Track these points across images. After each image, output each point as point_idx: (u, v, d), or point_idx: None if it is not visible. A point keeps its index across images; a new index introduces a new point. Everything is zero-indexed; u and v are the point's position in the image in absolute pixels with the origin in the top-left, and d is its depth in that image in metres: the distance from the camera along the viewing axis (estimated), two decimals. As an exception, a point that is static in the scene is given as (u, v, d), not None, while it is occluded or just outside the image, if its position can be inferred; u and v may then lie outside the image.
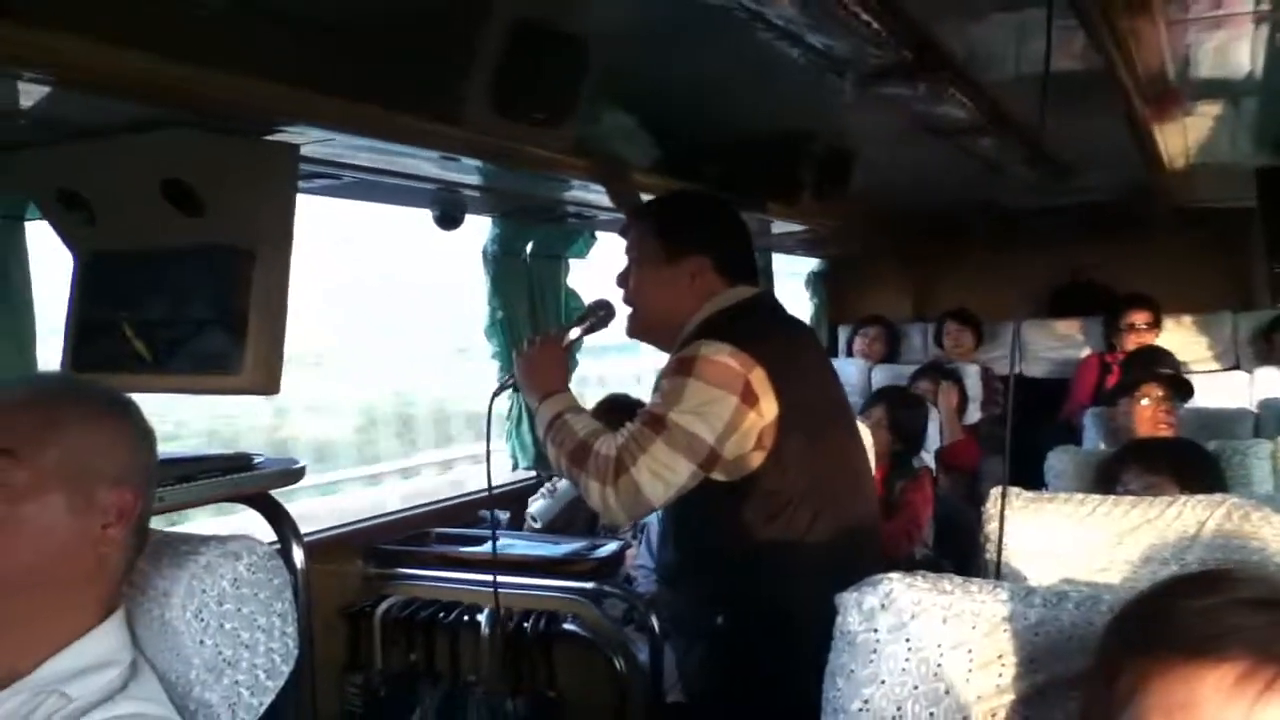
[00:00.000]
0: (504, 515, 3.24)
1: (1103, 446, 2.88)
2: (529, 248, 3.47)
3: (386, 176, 2.27)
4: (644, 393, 3.12)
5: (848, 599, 0.92)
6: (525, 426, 3.54)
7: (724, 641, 1.94)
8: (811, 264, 5.54)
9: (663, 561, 2.17)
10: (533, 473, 3.63)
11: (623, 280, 2.11)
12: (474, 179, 2.49)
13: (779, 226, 3.68)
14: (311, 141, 1.83)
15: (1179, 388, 3.02)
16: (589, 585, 2.50)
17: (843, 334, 5.39)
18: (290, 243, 1.78)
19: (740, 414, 1.82)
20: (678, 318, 2.01)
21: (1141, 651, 0.73)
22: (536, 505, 3.19)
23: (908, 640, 0.90)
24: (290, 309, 1.78)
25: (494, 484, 3.60)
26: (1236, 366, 4.50)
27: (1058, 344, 4.84)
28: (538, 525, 3.09)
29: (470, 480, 5.38)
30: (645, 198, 2.54)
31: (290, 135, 1.76)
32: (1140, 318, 4.36)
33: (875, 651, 0.90)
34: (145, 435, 1.15)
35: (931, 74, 2.10)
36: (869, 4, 1.65)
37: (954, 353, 4.82)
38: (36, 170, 1.85)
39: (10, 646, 1.03)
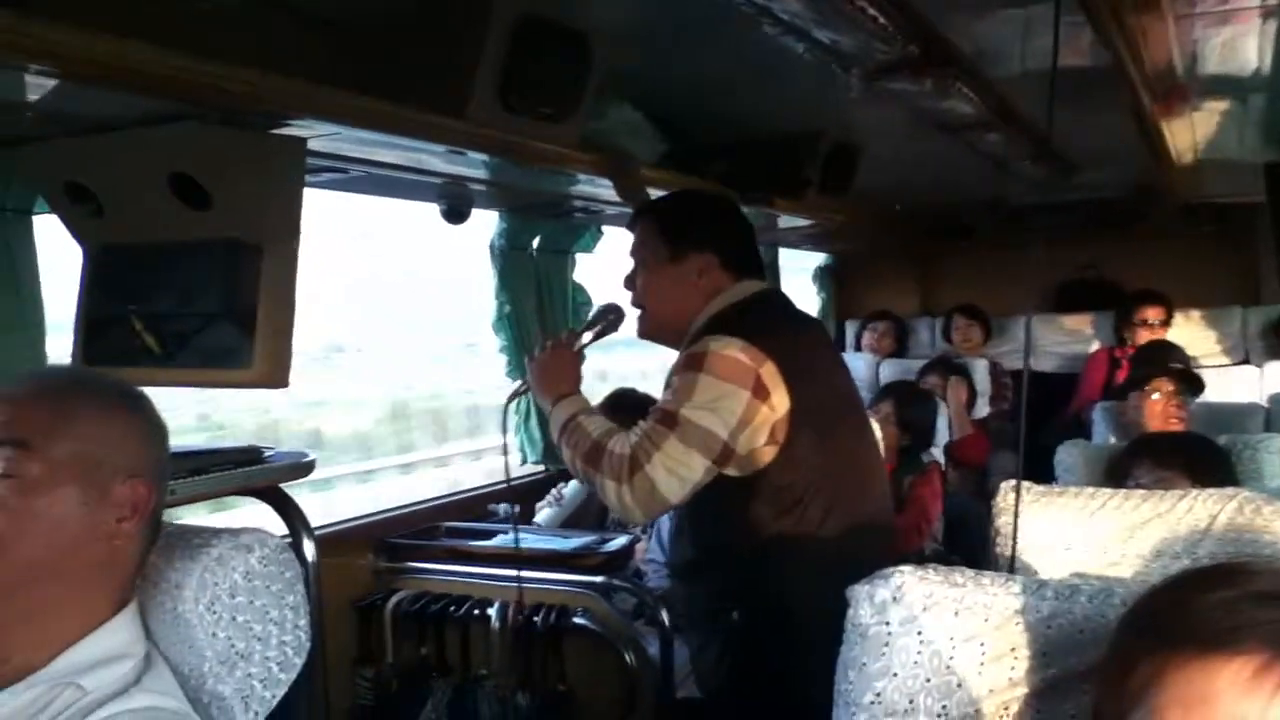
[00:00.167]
0: (514, 509, 3.25)
1: (1112, 441, 2.87)
2: (536, 242, 3.47)
3: (393, 171, 2.27)
4: (649, 388, 3.13)
5: (859, 591, 0.92)
6: (534, 422, 3.55)
7: (738, 637, 1.95)
8: (819, 259, 5.54)
9: (676, 558, 2.17)
10: (541, 467, 3.64)
11: (630, 282, 2.11)
12: (481, 173, 2.49)
13: (785, 221, 3.68)
14: (318, 135, 1.83)
15: (1190, 382, 3.01)
16: (599, 579, 2.50)
17: (850, 329, 5.39)
18: (298, 237, 1.79)
19: (752, 408, 1.82)
20: (687, 316, 2.01)
21: (1157, 645, 0.73)
22: (544, 514, 3.19)
23: (920, 633, 0.89)
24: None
25: (502, 479, 3.62)
26: (1246, 361, 4.50)
27: (1066, 339, 4.84)
28: None
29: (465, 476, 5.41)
30: (653, 193, 2.54)
31: (297, 129, 1.76)
32: (1153, 313, 4.35)
33: (887, 644, 0.90)
34: (158, 428, 1.16)
35: (938, 69, 2.10)
36: (876, -1, 1.65)
37: (962, 347, 4.81)
38: (44, 164, 1.85)
39: (25, 639, 1.03)
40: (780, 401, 1.85)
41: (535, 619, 2.47)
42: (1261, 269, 4.70)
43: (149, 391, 1.19)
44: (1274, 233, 2.95)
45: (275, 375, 1.79)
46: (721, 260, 2.01)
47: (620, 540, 2.71)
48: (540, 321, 3.49)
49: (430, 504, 3.20)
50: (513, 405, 2.96)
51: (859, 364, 4.79)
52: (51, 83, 1.43)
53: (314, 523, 1.98)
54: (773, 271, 4.51)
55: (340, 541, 2.67)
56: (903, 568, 0.92)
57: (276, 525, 1.89)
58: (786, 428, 1.86)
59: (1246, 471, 2.14)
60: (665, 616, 2.40)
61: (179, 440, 1.32)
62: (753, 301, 2.01)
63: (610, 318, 2.13)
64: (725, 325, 1.90)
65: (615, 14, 2.01)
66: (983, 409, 4.47)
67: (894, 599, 0.90)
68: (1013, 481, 1.34)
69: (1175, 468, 1.98)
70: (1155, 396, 2.90)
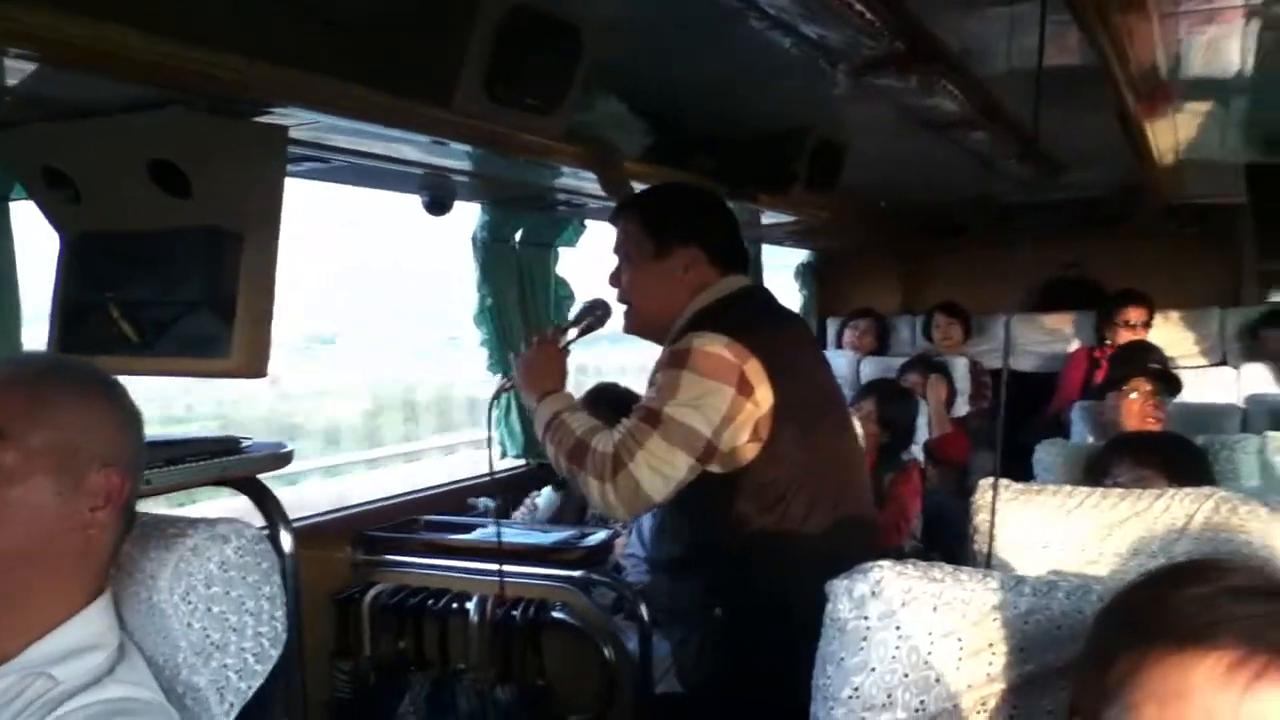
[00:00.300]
0: (492, 503, 3.24)
1: (1090, 440, 2.89)
2: (518, 235, 3.46)
3: (375, 161, 2.26)
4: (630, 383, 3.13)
5: (838, 586, 0.92)
6: (514, 416, 3.54)
7: (721, 633, 1.95)
8: (801, 256, 5.54)
9: (658, 553, 2.17)
10: (521, 461, 3.63)
11: (615, 279, 2.10)
12: (463, 164, 2.48)
13: (769, 217, 3.69)
14: (300, 124, 1.82)
15: (1168, 382, 3.04)
16: (578, 574, 2.49)
17: (831, 326, 5.40)
18: (278, 225, 1.78)
19: (736, 405, 1.81)
20: (673, 311, 2.00)
21: (1134, 640, 0.73)
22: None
23: (898, 628, 0.90)
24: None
25: (482, 473, 3.61)
26: (1224, 362, 4.53)
27: (1046, 338, 4.86)
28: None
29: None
30: (638, 186, 2.54)
31: (280, 117, 1.75)
32: (1135, 314, 4.37)
33: (865, 639, 0.90)
34: (133, 417, 1.15)
35: (924, 66, 2.11)
36: (863, -6, 1.65)
37: (942, 345, 4.82)
38: (22, 149, 1.83)
39: None
40: (764, 398, 1.84)
41: (514, 613, 2.46)
42: (1241, 270, 4.75)
43: (127, 380, 1.18)
44: (1254, 234, 2.97)
45: (253, 365, 1.78)
46: (707, 255, 2.00)
47: (599, 535, 2.71)
48: (522, 315, 3.48)
49: (409, 497, 3.19)
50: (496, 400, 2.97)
51: (840, 361, 4.80)
52: (31, 67, 1.42)
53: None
54: (755, 268, 4.51)
55: (318, 534, 2.66)
56: (882, 563, 0.92)
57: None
58: (770, 424, 1.86)
59: (1223, 471, 2.16)
60: (644, 611, 2.40)
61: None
62: (737, 297, 2.01)
63: (597, 314, 2.12)
64: (709, 321, 1.89)
65: (604, 6, 2.00)
66: (962, 407, 4.48)
67: (873, 594, 0.90)
68: (991, 479, 1.34)
69: (1153, 466, 1.99)
70: (1133, 396, 2.92)
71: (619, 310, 2.13)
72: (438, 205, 2.94)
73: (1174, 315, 4.62)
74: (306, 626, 2.23)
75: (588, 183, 2.66)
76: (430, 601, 2.58)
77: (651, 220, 2.04)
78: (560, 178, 2.75)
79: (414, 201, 2.92)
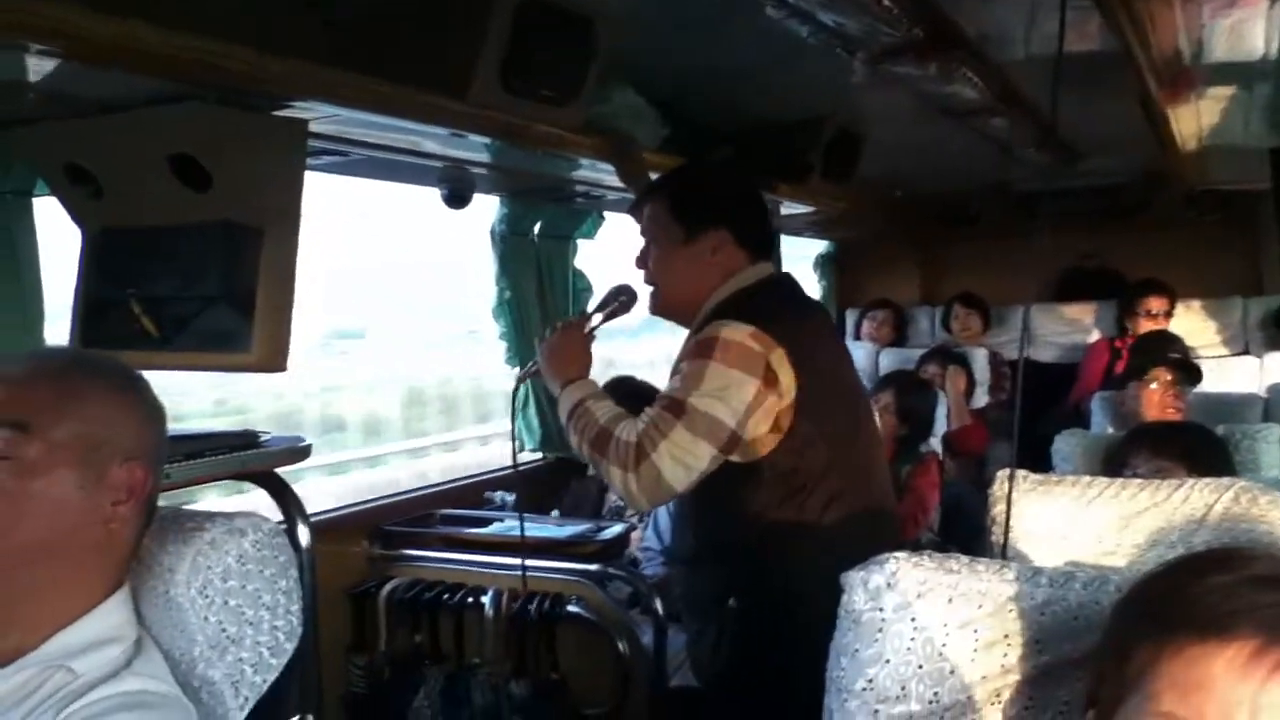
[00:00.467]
0: (510, 497, 3.25)
1: (1110, 430, 2.87)
2: (537, 228, 3.46)
3: (394, 154, 2.26)
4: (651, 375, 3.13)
5: (853, 578, 0.92)
6: (532, 410, 3.54)
7: (737, 625, 1.94)
8: (820, 246, 5.52)
9: (677, 544, 2.17)
10: (539, 455, 3.63)
11: (642, 260, 2.09)
12: (482, 156, 2.48)
13: (788, 208, 3.67)
14: (320, 117, 1.82)
15: (1188, 372, 3.01)
16: (594, 567, 2.50)
17: (850, 317, 5.38)
18: (299, 220, 1.78)
19: (760, 396, 1.81)
20: (701, 294, 1.99)
21: (1153, 631, 0.73)
22: None
23: (913, 619, 0.89)
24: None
25: (500, 467, 3.63)
26: (1246, 351, 4.49)
27: (1066, 329, 4.82)
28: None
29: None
30: (654, 177, 2.53)
31: (298, 111, 1.75)
32: (1157, 304, 4.33)
33: (880, 631, 0.89)
34: (155, 411, 1.15)
35: (943, 53, 2.09)
36: (881, -19, 1.64)
37: (962, 337, 4.80)
38: (44, 146, 1.84)
39: (18, 620, 1.03)
40: (788, 388, 1.83)
41: (529, 607, 2.47)
42: (1264, 258, 4.69)
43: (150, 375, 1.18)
44: (1278, 220, 2.94)
45: (274, 359, 1.78)
46: (736, 238, 1.99)
47: (615, 528, 2.71)
48: (541, 308, 3.48)
49: (425, 491, 3.20)
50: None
51: (858, 353, 4.78)
52: (53, 63, 1.43)
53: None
54: (774, 260, 4.49)
55: (335, 528, 2.67)
56: (897, 554, 0.91)
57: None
58: (792, 415, 1.85)
59: (1244, 461, 2.15)
60: (659, 605, 2.40)
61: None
62: (763, 285, 2.00)
63: (622, 299, 2.10)
64: (735, 310, 1.88)
65: (619, -3, 2.00)
66: (981, 399, 4.46)
67: (888, 585, 0.90)
68: (1008, 470, 1.33)
69: (1173, 457, 1.97)
70: (1154, 386, 2.90)
71: (644, 296, 2.12)
72: (457, 198, 2.94)
73: (1195, 304, 4.57)
74: (322, 620, 2.24)
75: (605, 174, 2.65)
76: (446, 596, 2.59)
77: (680, 202, 2.03)
78: (578, 169, 2.74)
79: (433, 195, 2.92)
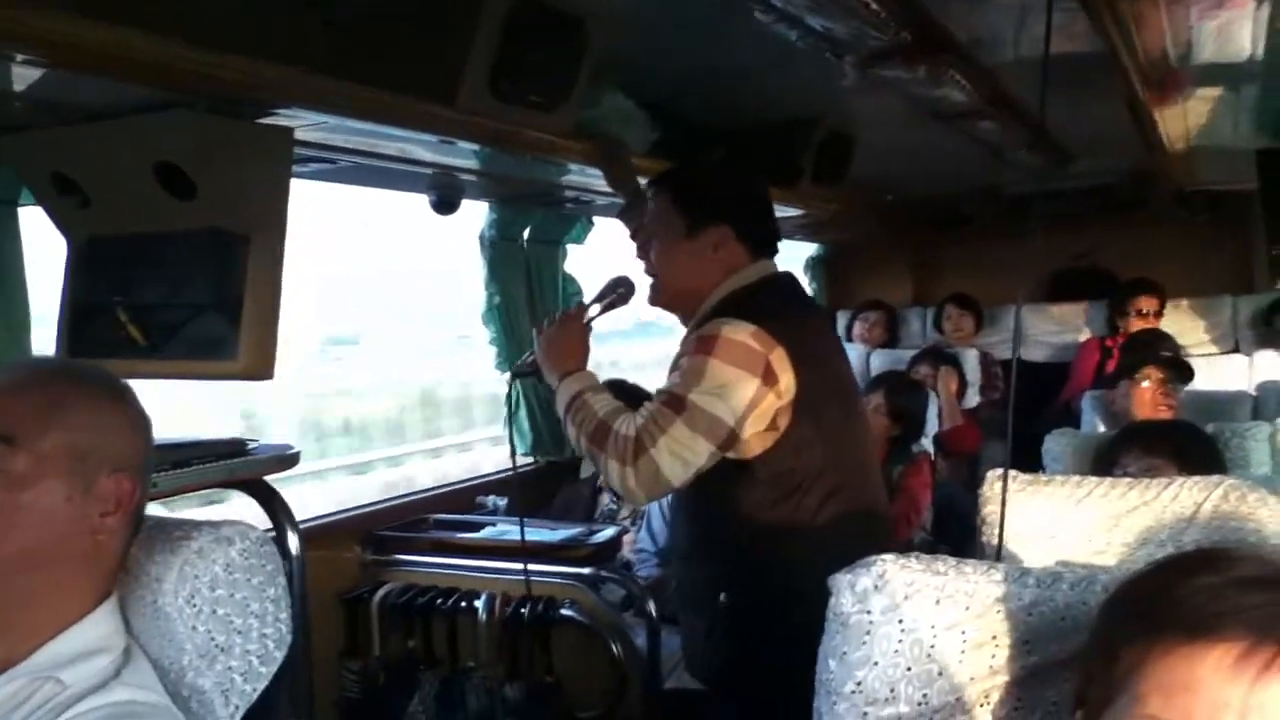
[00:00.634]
0: (501, 502, 3.24)
1: (1101, 429, 2.88)
2: (526, 233, 3.45)
3: (382, 161, 2.26)
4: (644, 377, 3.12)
5: (840, 580, 0.91)
6: (523, 413, 3.53)
7: (729, 621, 1.94)
8: (811, 249, 5.53)
9: (673, 539, 2.17)
10: (531, 459, 3.63)
11: (643, 252, 2.09)
12: (471, 163, 2.48)
13: (778, 211, 3.65)
14: (305, 125, 1.82)
15: (1179, 370, 3.02)
16: (586, 571, 2.49)
17: (841, 319, 5.38)
18: (285, 227, 1.78)
19: (760, 395, 1.81)
20: (703, 289, 1.99)
21: (1140, 632, 0.73)
22: None
23: (901, 621, 0.89)
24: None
25: (492, 471, 3.62)
26: (1236, 350, 4.50)
27: (1057, 328, 4.84)
28: None
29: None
30: (644, 182, 2.53)
31: (284, 118, 1.75)
32: (1147, 303, 4.34)
33: (868, 633, 0.89)
34: (143, 421, 1.14)
35: (932, 56, 2.10)
36: (868, -15, 1.64)
37: (953, 337, 4.81)
38: (29, 154, 1.84)
39: (6, 632, 1.02)
40: (787, 388, 1.84)
41: (523, 610, 2.47)
42: (1253, 257, 4.70)
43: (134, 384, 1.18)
44: (1265, 220, 2.95)
45: (261, 366, 1.78)
46: (738, 234, 1.99)
47: (608, 532, 2.71)
48: (531, 313, 3.47)
49: (417, 496, 3.20)
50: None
51: (850, 354, 4.76)
52: (39, 71, 1.43)
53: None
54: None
55: (327, 534, 2.67)
56: (885, 556, 0.91)
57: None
58: (790, 414, 1.86)
59: (1234, 459, 2.15)
60: (652, 607, 2.40)
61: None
62: (765, 284, 2.00)
63: (620, 290, 2.10)
64: (737, 308, 1.89)
65: (608, 0, 1.99)
66: (973, 399, 4.47)
67: (875, 587, 0.90)
68: (1000, 470, 1.34)
69: (1164, 455, 1.98)
70: (1145, 384, 2.90)
71: (642, 289, 2.12)
72: (445, 204, 2.94)
73: (1184, 303, 4.59)
74: (315, 626, 2.24)
75: (595, 179, 2.66)
76: (439, 600, 2.59)
77: (684, 197, 2.02)
78: (567, 175, 2.74)
79: (416, 201, 2.92)
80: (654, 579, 2.85)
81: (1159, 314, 4.36)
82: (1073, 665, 0.86)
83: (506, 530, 2.79)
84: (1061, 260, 5.09)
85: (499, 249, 3.36)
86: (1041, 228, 4.62)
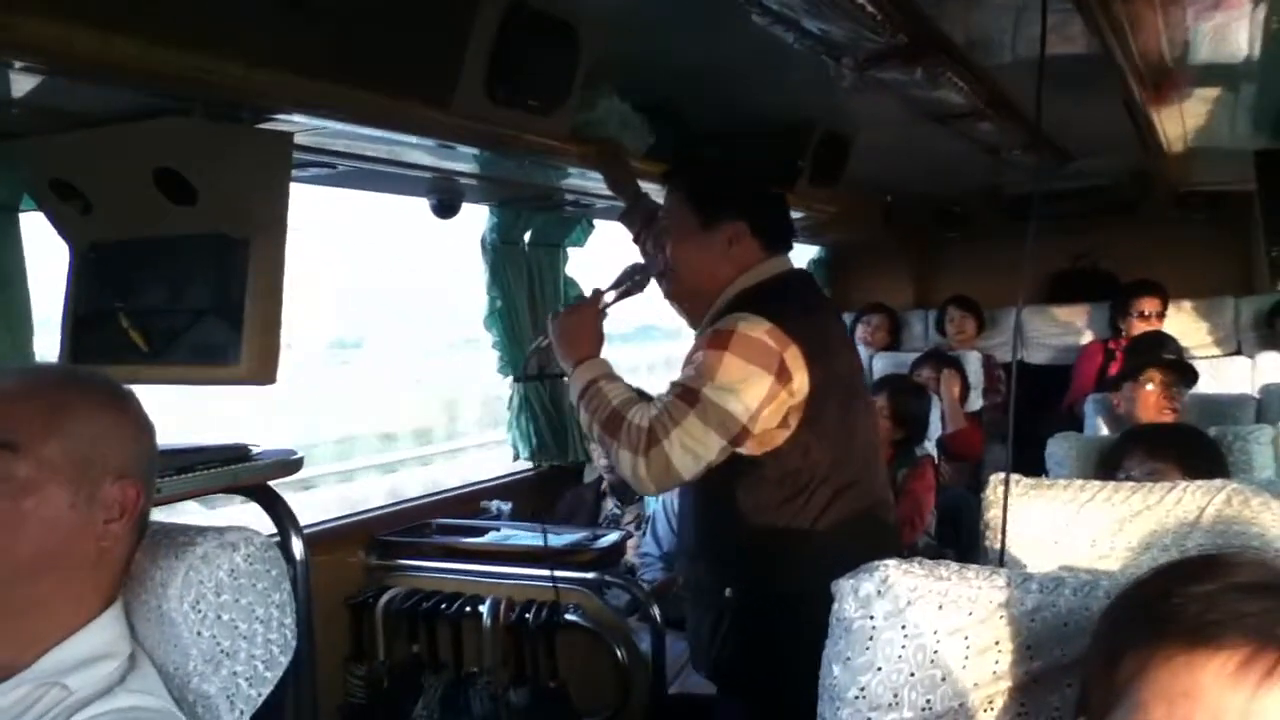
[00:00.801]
0: (506, 506, 3.24)
1: (1105, 432, 2.87)
2: (527, 236, 3.46)
3: (381, 165, 2.26)
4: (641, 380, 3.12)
5: (844, 585, 0.92)
6: (526, 417, 3.53)
7: (735, 615, 1.96)
8: (812, 251, 5.53)
9: (681, 533, 2.18)
10: (532, 465, 3.63)
11: (660, 247, 2.10)
12: (470, 167, 2.48)
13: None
14: (305, 129, 1.82)
15: (1183, 373, 3.01)
16: (591, 575, 2.50)
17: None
18: (285, 231, 1.78)
19: (773, 392, 1.82)
20: (717, 283, 2.01)
21: (1141, 638, 0.73)
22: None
23: (904, 627, 0.89)
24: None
25: (494, 476, 3.62)
26: (1238, 352, 4.49)
27: (1059, 331, 4.83)
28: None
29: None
30: (643, 184, 2.54)
31: (283, 123, 1.75)
32: (1150, 305, 4.33)
33: (872, 638, 0.89)
34: (146, 427, 1.15)
35: (928, 58, 2.10)
36: (864, -12, 1.64)
37: (956, 340, 4.81)
38: (30, 161, 1.84)
39: (11, 638, 1.02)
40: (800, 386, 1.85)
41: (527, 615, 2.47)
42: (1254, 258, 4.70)
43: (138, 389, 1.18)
44: (1264, 220, 2.95)
45: (263, 371, 1.78)
46: (753, 229, 2.00)
47: (612, 536, 2.71)
48: (532, 316, 3.47)
49: (421, 501, 3.20)
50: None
51: (853, 357, 4.77)
52: (38, 77, 1.43)
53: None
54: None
55: (331, 539, 2.67)
56: (887, 561, 0.91)
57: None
58: (802, 412, 1.87)
59: (1237, 462, 2.15)
60: (657, 612, 2.40)
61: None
62: (780, 281, 2.02)
63: (636, 278, 2.11)
64: (752, 304, 1.90)
65: (604, 2, 2.00)
66: (976, 402, 4.47)
67: (878, 593, 0.90)
68: (1003, 474, 1.34)
69: (1168, 459, 1.98)
70: (1149, 387, 2.90)
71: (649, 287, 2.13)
72: (445, 208, 2.94)
73: (1187, 305, 4.59)
74: (320, 631, 2.24)
75: (594, 182, 2.66)
76: (443, 605, 2.59)
77: (699, 193, 2.04)
78: (566, 178, 2.74)
79: (419, 206, 2.92)
80: (658, 583, 2.85)
81: (1161, 315, 4.35)
82: (1075, 671, 0.87)
83: (510, 535, 2.80)
84: (1062, 262, 5.09)
85: (500, 252, 3.37)
86: (1040, 229, 4.61)
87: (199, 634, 1.10)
